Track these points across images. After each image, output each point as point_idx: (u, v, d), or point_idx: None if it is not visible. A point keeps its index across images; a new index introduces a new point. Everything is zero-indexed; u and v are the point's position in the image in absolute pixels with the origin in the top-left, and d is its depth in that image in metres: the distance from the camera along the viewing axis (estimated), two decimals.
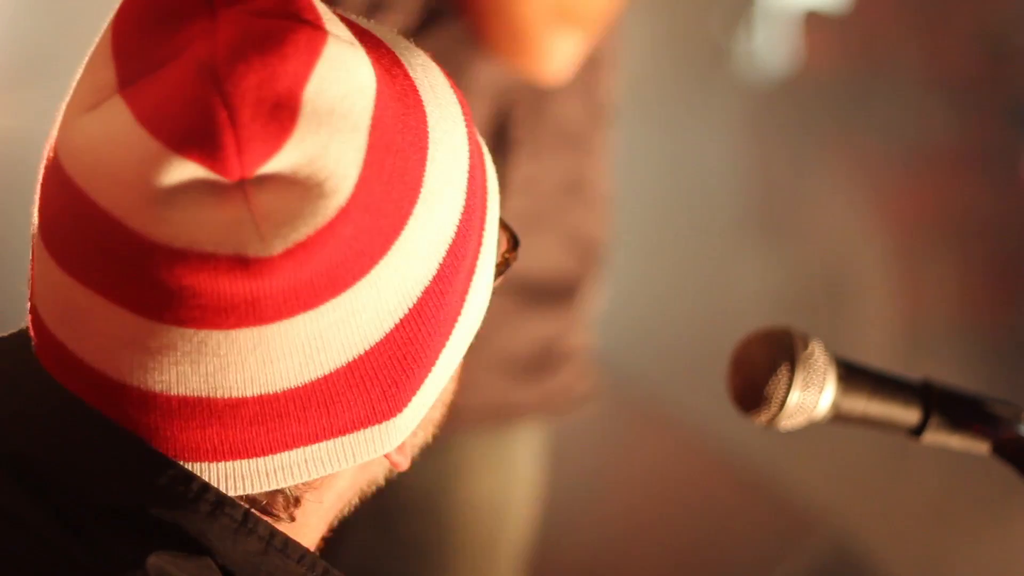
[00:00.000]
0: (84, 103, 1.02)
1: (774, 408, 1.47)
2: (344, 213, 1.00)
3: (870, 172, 6.75)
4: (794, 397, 1.47)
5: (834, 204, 6.75)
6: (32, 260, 1.10)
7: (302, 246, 0.98)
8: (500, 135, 2.18)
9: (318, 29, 1.00)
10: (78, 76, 1.04)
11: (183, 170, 0.98)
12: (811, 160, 6.88)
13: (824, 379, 1.49)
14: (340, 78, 1.00)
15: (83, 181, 1.00)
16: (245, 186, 0.99)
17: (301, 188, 0.99)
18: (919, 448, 1.64)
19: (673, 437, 6.03)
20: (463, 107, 1.14)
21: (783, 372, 1.47)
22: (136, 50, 1.00)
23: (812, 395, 1.48)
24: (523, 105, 2.19)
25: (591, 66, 2.28)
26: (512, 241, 1.20)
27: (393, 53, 1.09)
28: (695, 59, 7.69)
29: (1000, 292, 6.26)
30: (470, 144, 1.12)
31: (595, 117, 2.31)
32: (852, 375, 1.50)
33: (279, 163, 0.99)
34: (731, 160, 7.12)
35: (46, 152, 1.04)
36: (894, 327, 6.34)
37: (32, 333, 1.11)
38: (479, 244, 1.12)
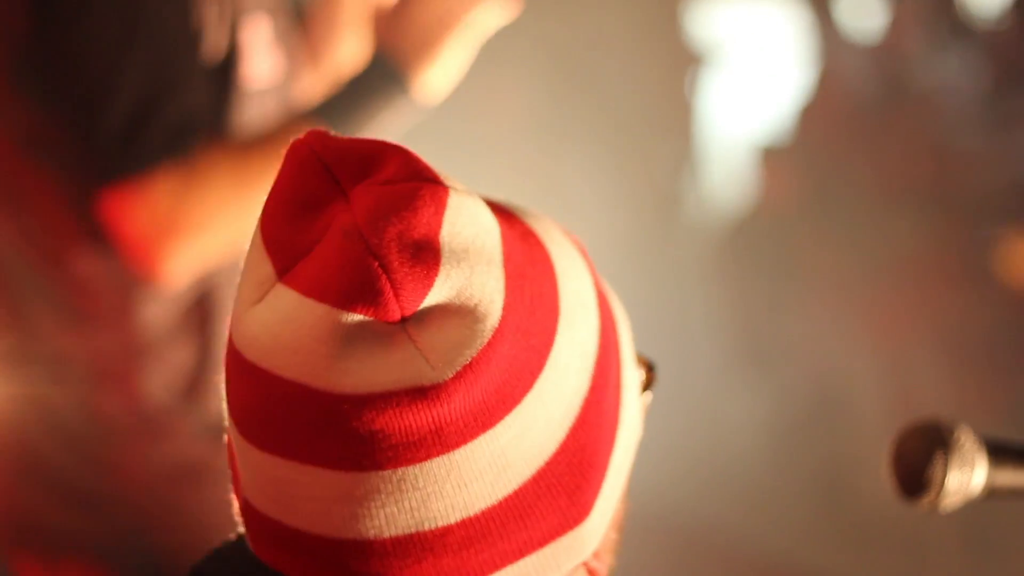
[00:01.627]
0: (251, 298, 1.12)
1: (934, 491, 1.66)
2: (499, 333, 1.09)
3: (844, 290, 6.84)
4: (951, 479, 1.66)
5: (815, 326, 6.83)
6: (231, 457, 1.18)
7: (470, 368, 1.07)
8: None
9: (439, 184, 1.11)
10: (239, 279, 1.14)
11: (352, 323, 1.07)
12: (785, 287, 6.98)
13: (975, 459, 1.63)
14: (467, 222, 1.11)
15: (266, 362, 1.08)
16: (407, 325, 1.08)
17: (457, 316, 1.09)
18: None
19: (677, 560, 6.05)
20: (575, 244, 1.26)
21: (939, 458, 1.62)
22: (287, 242, 1.10)
23: (966, 475, 1.63)
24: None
25: None
26: (648, 364, 1.30)
27: (501, 205, 1.22)
28: (650, 212, 7.85)
29: (993, 389, 6.31)
30: (591, 273, 1.24)
31: None
32: (1000, 452, 1.65)
33: (433, 298, 1.09)
34: (707, 301, 7.23)
35: (223, 355, 1.15)
36: (890, 437, 6.38)
37: (246, 528, 1.18)
38: (619, 360, 1.22)
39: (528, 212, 1.23)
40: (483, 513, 1.09)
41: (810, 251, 7.12)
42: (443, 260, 1.08)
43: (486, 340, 1.08)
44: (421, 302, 1.08)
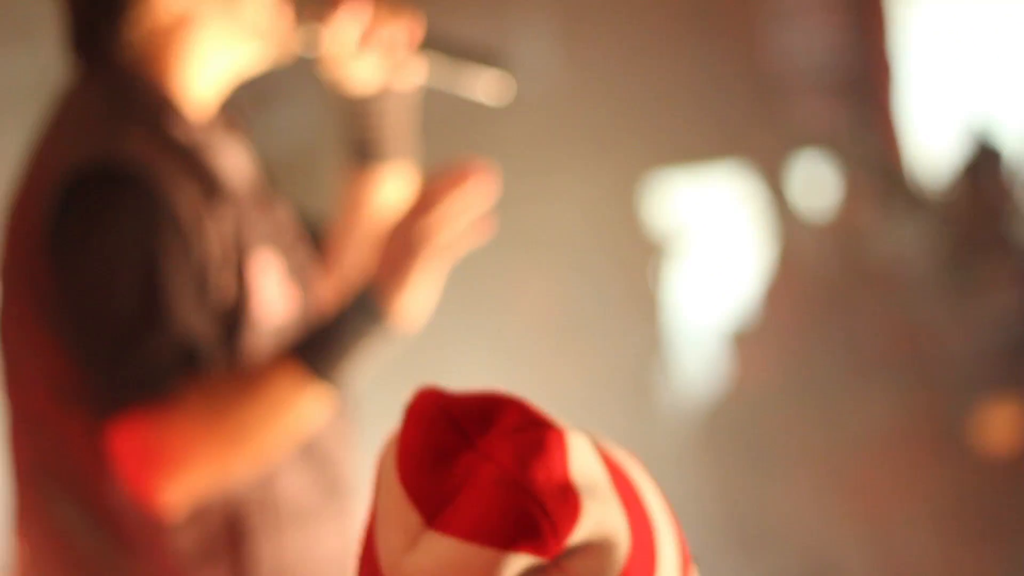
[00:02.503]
0: (400, 547, 1.19)
1: None
2: (632, 557, 1.20)
3: (827, 467, 6.89)
4: None
5: (799, 505, 6.86)
6: None
7: None
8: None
9: (556, 428, 1.22)
10: (378, 535, 1.23)
11: (518, 564, 1.15)
12: (767, 469, 7.03)
13: None
14: (582, 458, 1.22)
15: None
16: (560, 561, 1.18)
17: (597, 548, 1.19)
18: None
19: None
20: (636, 460, 1.37)
21: None
22: (429, 491, 1.18)
23: None
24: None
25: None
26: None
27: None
28: (622, 403, 7.91)
29: (979, 558, 6.35)
30: (654, 487, 1.34)
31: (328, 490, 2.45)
32: None
33: (578, 534, 1.19)
34: (687, 489, 7.26)
35: None
36: None
37: None
38: (688, 562, 1.35)
39: (585, 431, 1.31)
40: None
41: (788, 431, 7.18)
42: (582, 498, 1.18)
43: (623, 565, 1.19)
44: (569, 538, 1.18)
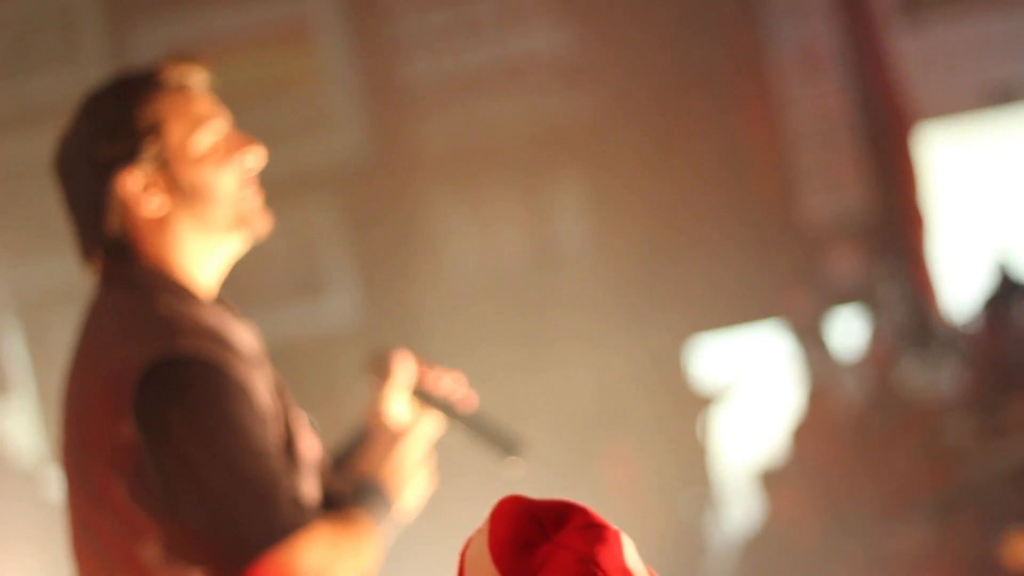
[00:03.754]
0: None
1: None
2: None
3: None
4: None
5: None
6: None
7: None
8: None
9: (611, 527, 1.49)
10: None
11: None
12: None
13: None
14: (633, 553, 1.50)
15: None
16: None
17: None
18: None
19: None
20: None
21: None
22: (517, 571, 1.46)
23: None
24: None
25: None
26: None
27: None
28: (671, 545, 8.07)
29: None
30: None
31: None
32: None
33: None
34: None
35: None
36: None
37: None
38: None
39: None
40: None
41: (822, 564, 7.30)
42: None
43: None
44: None
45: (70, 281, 10.19)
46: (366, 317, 9.21)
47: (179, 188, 2.61)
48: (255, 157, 2.68)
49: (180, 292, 2.62)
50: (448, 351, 10.11)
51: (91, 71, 10.17)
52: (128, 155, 2.59)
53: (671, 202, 10.85)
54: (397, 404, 2.80)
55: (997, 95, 10.87)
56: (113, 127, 2.59)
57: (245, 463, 2.51)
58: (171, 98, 2.63)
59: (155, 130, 2.59)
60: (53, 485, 8.54)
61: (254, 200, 2.69)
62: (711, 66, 11.00)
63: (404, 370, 2.78)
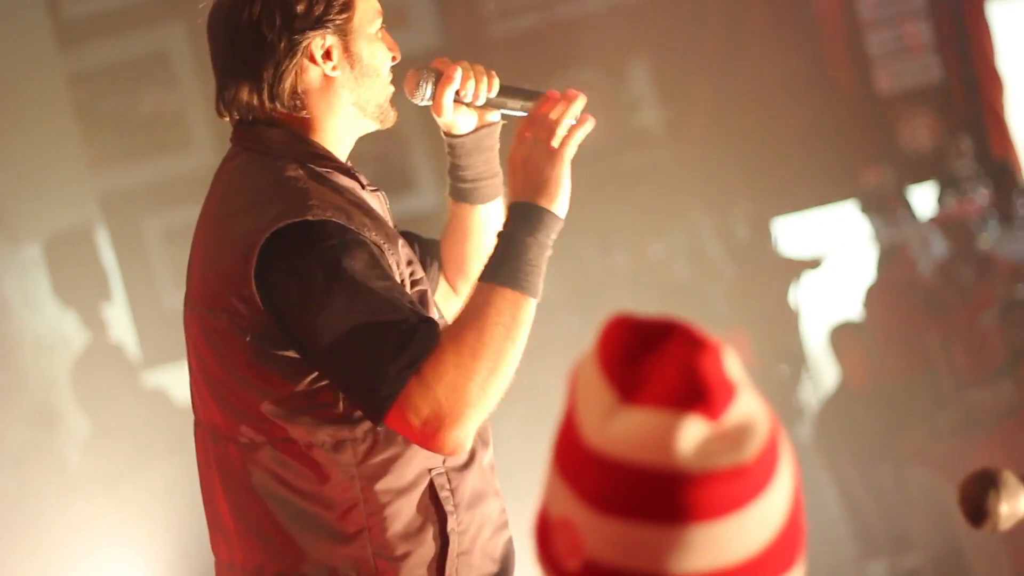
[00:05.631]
0: (600, 419, 1.51)
1: (994, 518, 2.38)
2: (759, 456, 1.49)
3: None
4: (1004, 508, 2.38)
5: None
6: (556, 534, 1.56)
7: (763, 451, 1.50)
8: None
9: (710, 338, 1.52)
10: (579, 415, 1.53)
11: (691, 426, 1.48)
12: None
13: (1019, 492, 2.32)
14: (735, 364, 1.52)
15: (636, 459, 1.48)
16: (723, 421, 1.49)
17: (739, 431, 1.49)
18: None
19: None
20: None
21: (992, 494, 2.33)
22: (621, 378, 1.51)
23: (1014, 504, 2.31)
24: None
25: None
26: None
27: None
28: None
29: None
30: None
31: None
32: None
33: (735, 410, 1.50)
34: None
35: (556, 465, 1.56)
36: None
37: None
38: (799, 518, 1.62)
39: None
40: (758, 556, 1.51)
41: (895, 426, 7.39)
42: (737, 383, 1.54)
43: (757, 451, 1.52)
44: (729, 410, 1.52)
45: (158, 188, 10.49)
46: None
47: (353, 60, 2.74)
48: (398, 56, 2.83)
49: (318, 158, 2.75)
50: None
51: None
52: (319, 19, 2.72)
53: (744, 86, 10.90)
54: (459, 113, 2.87)
55: None
56: None
57: (365, 318, 2.60)
58: None
59: (349, 5, 2.73)
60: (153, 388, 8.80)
61: (391, 91, 2.82)
62: None
63: (456, 72, 2.83)
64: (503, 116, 2.95)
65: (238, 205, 2.73)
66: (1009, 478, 2.44)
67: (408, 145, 10.40)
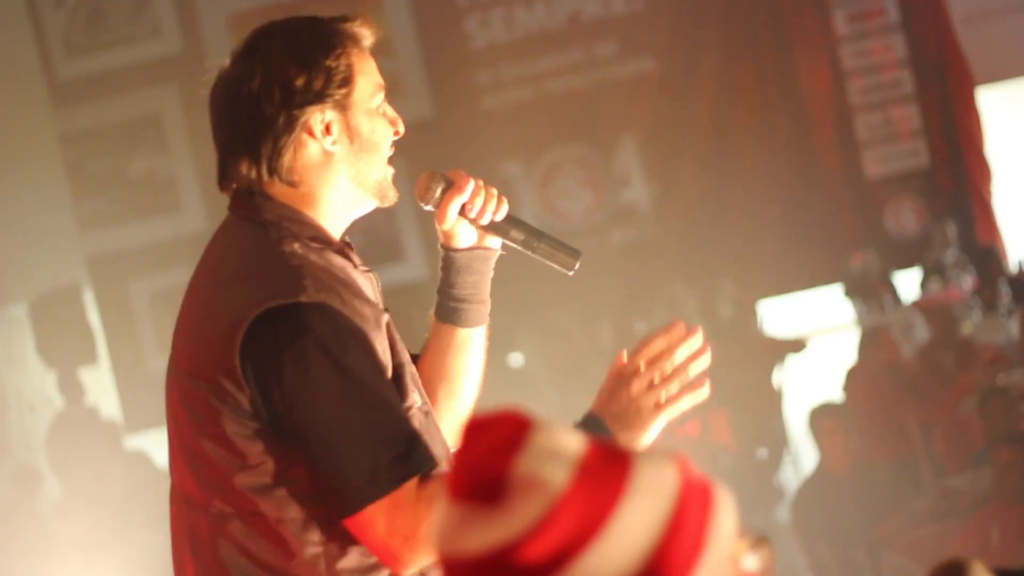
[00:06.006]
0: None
1: None
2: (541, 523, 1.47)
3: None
4: None
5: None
6: None
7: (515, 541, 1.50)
8: None
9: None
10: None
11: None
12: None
13: None
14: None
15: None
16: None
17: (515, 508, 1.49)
18: None
19: None
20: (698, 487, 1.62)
21: None
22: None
23: None
24: None
25: None
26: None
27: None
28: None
29: None
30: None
31: None
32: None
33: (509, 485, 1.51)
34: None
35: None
36: None
37: None
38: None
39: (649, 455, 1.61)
40: None
41: (872, 508, 7.41)
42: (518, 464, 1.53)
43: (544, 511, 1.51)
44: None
45: (146, 251, 10.52)
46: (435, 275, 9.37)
47: (352, 136, 2.73)
48: (400, 132, 2.85)
49: (313, 235, 2.74)
50: (511, 311, 10.31)
51: (163, 46, 10.41)
52: (320, 94, 2.71)
53: (733, 164, 10.97)
54: (460, 225, 2.86)
55: None
56: (314, 65, 2.71)
57: (360, 411, 2.61)
58: (362, 54, 2.77)
59: (349, 79, 2.72)
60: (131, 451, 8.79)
61: (392, 172, 2.81)
62: (774, 25, 11.09)
63: (468, 184, 2.83)
64: (503, 246, 2.93)
65: (230, 275, 2.74)
66: (978, 569, 2.49)
67: (397, 216, 10.46)
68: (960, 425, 7.97)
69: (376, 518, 2.61)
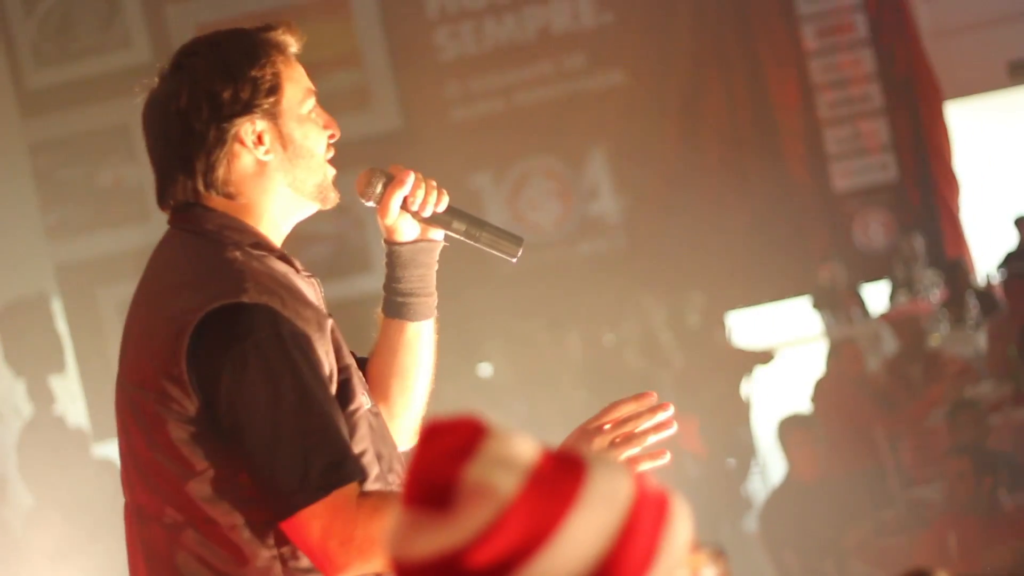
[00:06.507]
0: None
1: None
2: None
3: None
4: None
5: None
6: None
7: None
8: None
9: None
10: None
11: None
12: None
13: None
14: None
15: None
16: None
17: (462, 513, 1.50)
18: None
19: None
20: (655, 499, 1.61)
21: None
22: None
23: None
24: None
25: None
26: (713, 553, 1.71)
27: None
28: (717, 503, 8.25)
29: None
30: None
31: None
32: None
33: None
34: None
35: None
36: None
37: None
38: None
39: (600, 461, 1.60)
40: None
41: (838, 520, 7.43)
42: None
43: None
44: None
45: (114, 260, 10.50)
46: None
47: (285, 143, 2.75)
48: (337, 133, 2.85)
49: (255, 242, 2.75)
50: (480, 321, 10.32)
51: (133, 55, 10.40)
52: (248, 105, 2.72)
53: (701, 177, 11.01)
54: (403, 219, 2.88)
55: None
56: (240, 77, 2.72)
57: (295, 415, 2.61)
58: (288, 62, 2.77)
59: (276, 88, 2.73)
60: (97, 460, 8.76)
61: (332, 173, 2.82)
62: (743, 39, 11.13)
63: (409, 177, 2.84)
64: (446, 237, 2.95)
65: (172, 284, 2.74)
66: None
67: (365, 226, 10.45)
68: (927, 436, 8.02)
69: (311, 522, 2.62)
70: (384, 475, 2.73)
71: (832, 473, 7.67)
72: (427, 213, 2.87)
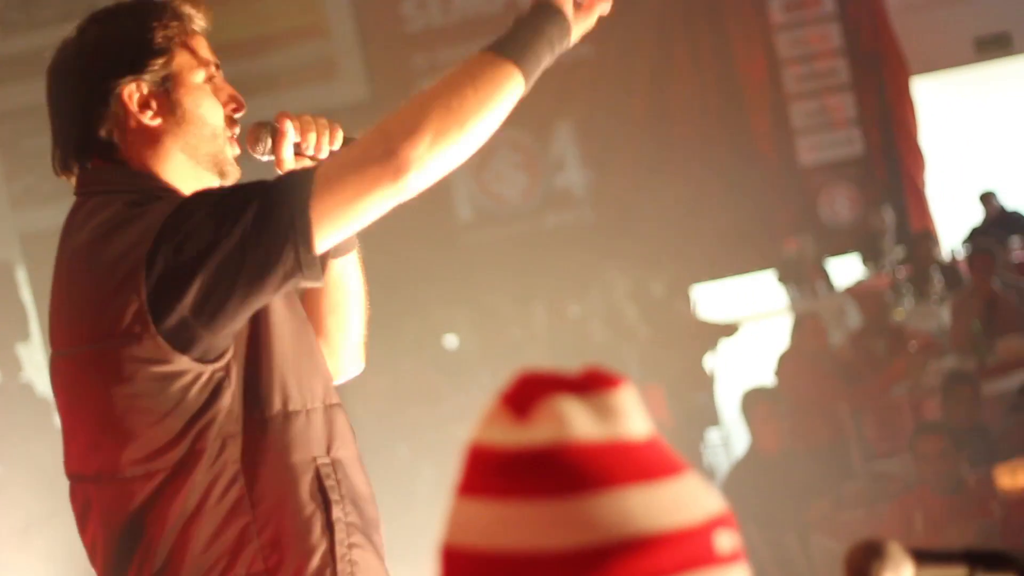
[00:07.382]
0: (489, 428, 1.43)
1: None
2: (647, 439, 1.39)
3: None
4: None
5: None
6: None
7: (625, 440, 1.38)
8: None
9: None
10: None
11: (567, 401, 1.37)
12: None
13: (903, 563, 2.38)
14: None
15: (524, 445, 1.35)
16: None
17: (615, 410, 1.37)
18: None
19: None
20: None
21: (876, 565, 2.41)
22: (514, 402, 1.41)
23: (898, 574, 2.42)
24: None
25: None
26: None
27: None
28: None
29: None
30: None
31: None
32: (923, 557, 2.39)
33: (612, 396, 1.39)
34: None
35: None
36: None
37: None
38: None
39: None
40: None
41: (801, 493, 7.47)
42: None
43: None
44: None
45: None
46: None
47: (173, 109, 2.73)
48: (240, 108, 2.84)
49: (164, 190, 2.71)
50: (446, 293, 10.33)
51: None
52: (134, 67, 2.71)
53: (668, 150, 11.03)
54: (302, 165, 2.80)
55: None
56: (127, 40, 2.72)
57: (242, 237, 2.59)
58: (184, 30, 2.77)
59: (166, 52, 2.72)
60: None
61: (231, 148, 2.80)
62: (710, 13, 11.14)
63: (287, 126, 2.79)
64: None
65: (99, 236, 2.68)
66: (894, 549, 2.50)
67: None
68: (890, 410, 8.04)
69: (327, 197, 2.61)
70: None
71: (795, 446, 7.69)
72: (324, 154, 2.83)
